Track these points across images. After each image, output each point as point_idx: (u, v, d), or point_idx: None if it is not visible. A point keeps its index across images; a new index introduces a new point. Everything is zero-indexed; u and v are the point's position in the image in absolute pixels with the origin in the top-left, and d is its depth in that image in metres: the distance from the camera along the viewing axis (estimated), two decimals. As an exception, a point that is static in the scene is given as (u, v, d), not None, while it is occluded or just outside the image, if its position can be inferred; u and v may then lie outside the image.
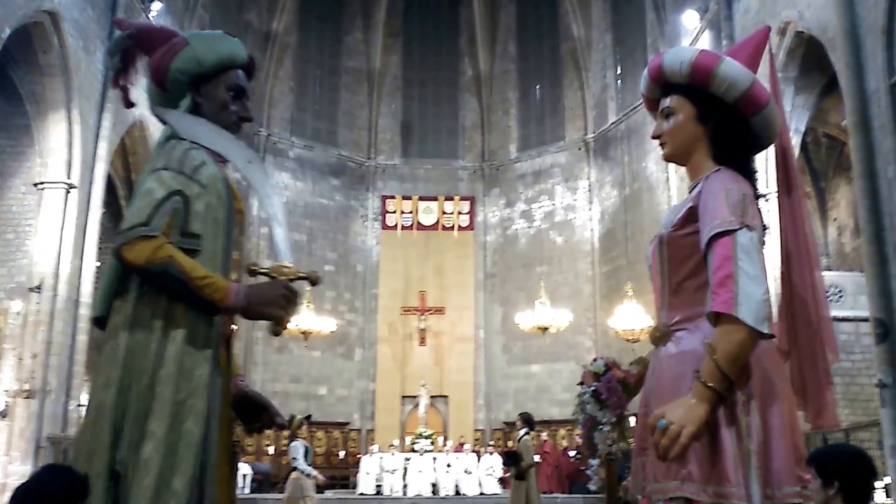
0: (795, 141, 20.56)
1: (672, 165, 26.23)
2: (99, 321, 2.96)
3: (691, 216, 2.84)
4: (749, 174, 2.96)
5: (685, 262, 2.81)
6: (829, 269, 23.79)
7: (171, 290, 2.85)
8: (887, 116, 14.76)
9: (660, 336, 2.92)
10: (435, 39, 35.97)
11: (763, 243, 2.75)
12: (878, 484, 15.79)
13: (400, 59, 35.94)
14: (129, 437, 2.71)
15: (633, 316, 23.37)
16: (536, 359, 30.57)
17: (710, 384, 2.53)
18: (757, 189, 2.92)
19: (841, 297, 19.84)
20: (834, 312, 19.12)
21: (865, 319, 17.34)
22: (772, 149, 3.27)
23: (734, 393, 2.61)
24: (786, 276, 3.24)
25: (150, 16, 24.31)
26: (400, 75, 35.79)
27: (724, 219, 2.65)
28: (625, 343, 24.50)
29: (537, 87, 34.79)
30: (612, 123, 31.01)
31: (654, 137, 3.16)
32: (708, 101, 2.97)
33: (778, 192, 3.37)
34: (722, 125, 2.97)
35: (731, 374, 2.53)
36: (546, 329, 26.94)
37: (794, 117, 20.23)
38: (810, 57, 19.01)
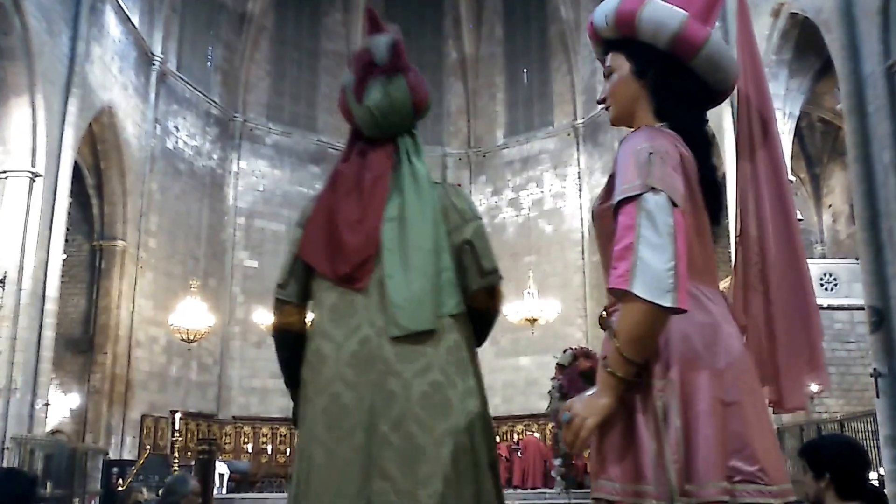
0: (790, 126, 20.65)
1: (663, 151, 26.44)
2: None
3: (610, 186, 2.62)
4: (697, 131, 2.74)
5: (611, 238, 2.49)
6: (824, 257, 23.88)
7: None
8: (883, 100, 14.81)
9: (601, 322, 2.73)
10: (418, 21, 35.73)
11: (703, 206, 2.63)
12: (871, 475, 15.87)
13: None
14: None
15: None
16: (525, 351, 30.51)
17: (613, 371, 2.37)
18: (707, 145, 2.75)
19: (836, 285, 19.92)
20: (828, 301, 19.47)
21: (860, 308, 17.42)
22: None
23: (651, 378, 2.44)
24: (745, 244, 2.96)
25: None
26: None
27: (630, 183, 2.43)
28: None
29: (525, 70, 34.76)
30: (601, 108, 30.57)
31: (598, 103, 2.98)
32: (643, 53, 2.76)
33: (737, 149, 3.07)
34: (659, 77, 2.75)
35: (635, 357, 2.36)
36: (535, 320, 26.90)
37: (789, 101, 20.31)
38: (805, 39, 19.08)
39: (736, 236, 3.07)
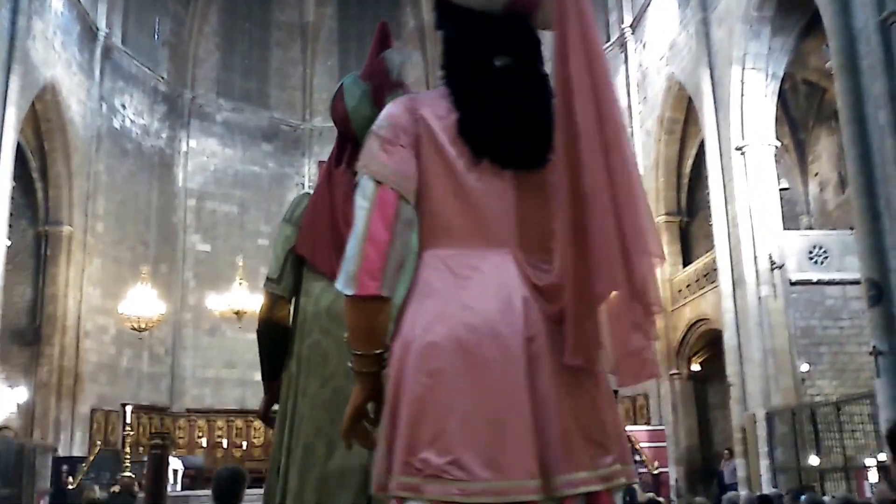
0: (773, 87, 20.42)
1: (637, 119, 26.24)
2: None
3: None
4: (482, 65, 2.52)
5: None
6: (811, 229, 23.71)
7: None
8: (877, 56, 14.56)
9: None
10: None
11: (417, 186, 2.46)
12: (869, 462, 15.71)
13: (335, 12, 35.28)
14: None
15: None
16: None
17: (350, 364, 2.47)
18: (514, 74, 2.48)
19: (826, 258, 19.67)
20: (818, 275, 19.28)
21: (854, 282, 17.22)
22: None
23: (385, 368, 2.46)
24: (565, 177, 2.45)
25: None
26: (336, 28, 35.16)
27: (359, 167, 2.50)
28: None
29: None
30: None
31: None
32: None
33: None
34: (438, 22, 2.67)
35: (357, 348, 2.44)
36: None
37: (772, 61, 20.11)
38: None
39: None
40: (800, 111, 25.10)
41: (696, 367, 24.69)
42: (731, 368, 20.38)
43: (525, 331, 2.31)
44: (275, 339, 3.69)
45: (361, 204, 2.40)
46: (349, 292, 2.34)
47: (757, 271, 19.41)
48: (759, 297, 19.29)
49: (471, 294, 2.38)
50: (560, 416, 2.29)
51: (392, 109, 2.52)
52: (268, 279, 3.67)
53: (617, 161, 2.28)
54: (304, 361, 3.47)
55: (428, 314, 2.39)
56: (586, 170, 2.27)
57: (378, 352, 2.43)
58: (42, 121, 24.03)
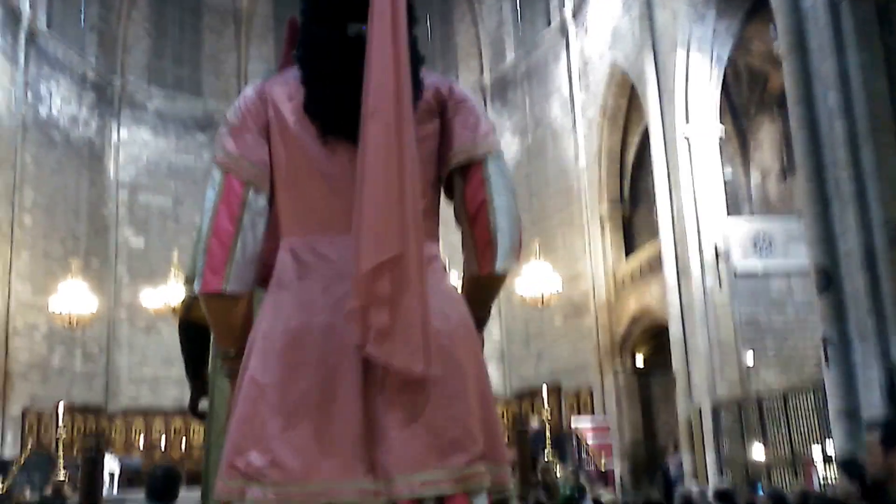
0: (717, 72, 20.39)
1: (579, 108, 26.19)
2: None
3: None
4: (322, 39, 2.47)
5: None
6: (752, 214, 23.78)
7: None
8: (826, 35, 14.43)
9: None
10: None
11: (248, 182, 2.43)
12: (816, 453, 15.72)
13: None
14: None
15: (541, 277, 22.56)
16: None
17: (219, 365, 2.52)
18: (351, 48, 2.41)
19: (770, 246, 19.69)
20: (763, 263, 19.28)
21: (800, 272, 17.28)
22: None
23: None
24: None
25: None
26: (271, 14, 34.51)
27: None
28: (532, 311, 24.23)
29: (425, 22, 34.01)
30: (510, 64, 30.61)
31: None
32: None
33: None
34: None
35: (219, 347, 2.54)
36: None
37: (717, 44, 20.08)
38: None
39: None
40: (742, 98, 25.12)
41: (639, 360, 24.71)
42: (676, 361, 20.38)
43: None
44: (192, 339, 3.89)
45: (209, 195, 2.38)
46: (196, 290, 2.36)
47: (702, 261, 19.42)
48: (705, 288, 19.30)
49: (310, 285, 2.34)
50: (400, 410, 2.21)
51: (243, 94, 2.50)
52: (185, 280, 3.82)
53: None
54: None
55: (267, 308, 2.38)
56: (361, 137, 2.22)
57: (238, 352, 2.42)
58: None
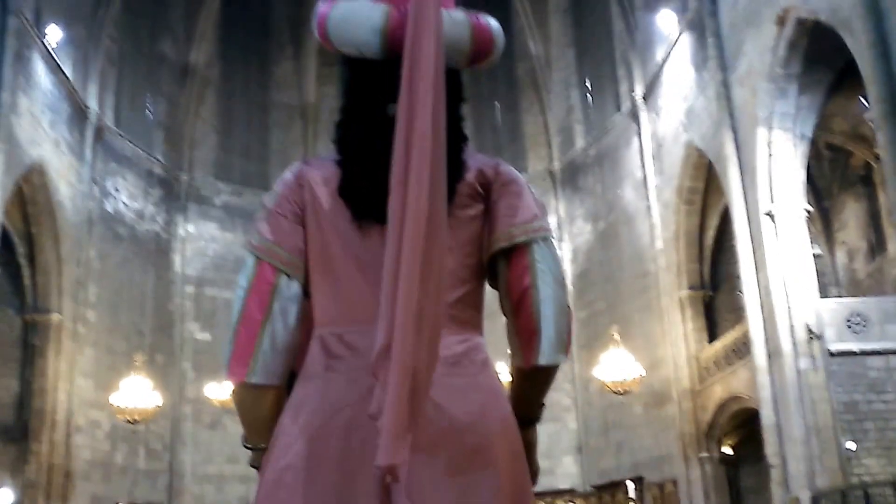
0: (802, 150, 19.42)
1: (653, 191, 25.40)
2: None
3: None
4: (366, 121, 2.38)
5: None
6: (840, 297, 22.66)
7: None
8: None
9: None
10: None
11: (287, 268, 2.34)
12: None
13: (337, 91, 34.48)
14: None
15: (622, 363, 21.72)
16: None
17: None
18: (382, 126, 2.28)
19: (865, 326, 18.51)
20: (860, 345, 18.06)
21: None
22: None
23: None
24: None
25: (46, 42, 23.11)
26: (336, 108, 34.26)
27: None
28: (611, 397, 23.13)
29: (494, 112, 33.71)
30: (580, 149, 30.11)
31: None
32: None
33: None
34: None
35: (248, 440, 2.40)
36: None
37: (800, 121, 19.18)
38: (815, 49, 17.98)
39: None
40: (824, 178, 24.34)
41: (727, 449, 23.33)
42: (770, 449, 19.05)
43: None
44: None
45: (240, 283, 2.32)
46: (228, 379, 2.29)
47: (794, 342, 18.25)
48: (798, 371, 18.08)
49: (337, 377, 2.25)
50: None
51: (282, 178, 2.45)
52: None
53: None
54: None
55: (293, 403, 2.28)
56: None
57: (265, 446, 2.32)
58: (29, 204, 23.25)
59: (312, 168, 2.41)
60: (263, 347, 2.24)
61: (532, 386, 2.44)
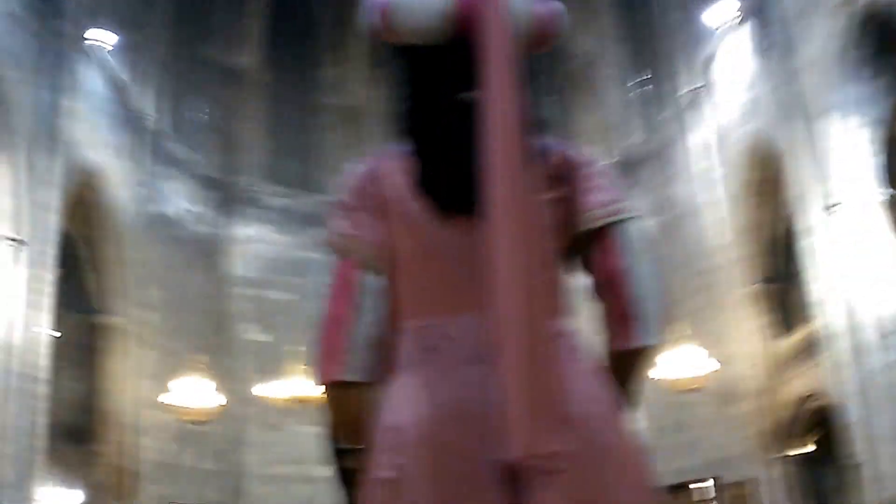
0: (878, 135, 18.73)
1: (717, 184, 24.80)
2: None
3: None
4: (436, 113, 2.40)
5: None
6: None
7: None
8: None
9: None
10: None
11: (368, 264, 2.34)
12: None
13: (387, 93, 34.53)
14: None
15: (692, 360, 21.26)
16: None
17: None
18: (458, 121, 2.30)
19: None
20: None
21: None
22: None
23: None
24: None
25: (100, 48, 23.48)
26: (385, 110, 34.39)
27: None
28: (681, 395, 22.54)
29: (547, 111, 33.33)
30: (637, 145, 29.70)
31: None
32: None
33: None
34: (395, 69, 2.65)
35: (342, 442, 2.44)
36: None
37: (874, 105, 18.50)
38: (888, 29, 17.35)
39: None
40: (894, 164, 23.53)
41: (807, 447, 22.57)
42: (857, 447, 18.27)
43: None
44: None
45: (326, 280, 2.36)
46: (315, 381, 2.33)
47: (882, 335, 17.51)
48: (888, 365, 17.34)
49: (436, 371, 2.22)
50: None
51: (353, 171, 2.46)
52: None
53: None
54: None
55: (394, 398, 2.24)
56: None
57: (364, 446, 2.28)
58: (91, 207, 23.18)
59: (386, 159, 2.41)
60: (353, 344, 2.22)
61: (629, 370, 2.38)
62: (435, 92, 2.41)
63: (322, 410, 2.84)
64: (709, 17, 24.59)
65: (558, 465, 1.96)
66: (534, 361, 1.95)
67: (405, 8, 2.37)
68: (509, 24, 2.20)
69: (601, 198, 2.37)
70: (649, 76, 29.97)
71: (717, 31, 24.19)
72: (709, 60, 25.33)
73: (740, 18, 22.91)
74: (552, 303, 2.24)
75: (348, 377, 2.21)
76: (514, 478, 1.96)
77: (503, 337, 1.96)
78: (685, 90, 26.79)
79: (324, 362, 2.23)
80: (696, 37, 25.96)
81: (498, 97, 2.09)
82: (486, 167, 2.07)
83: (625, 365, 2.37)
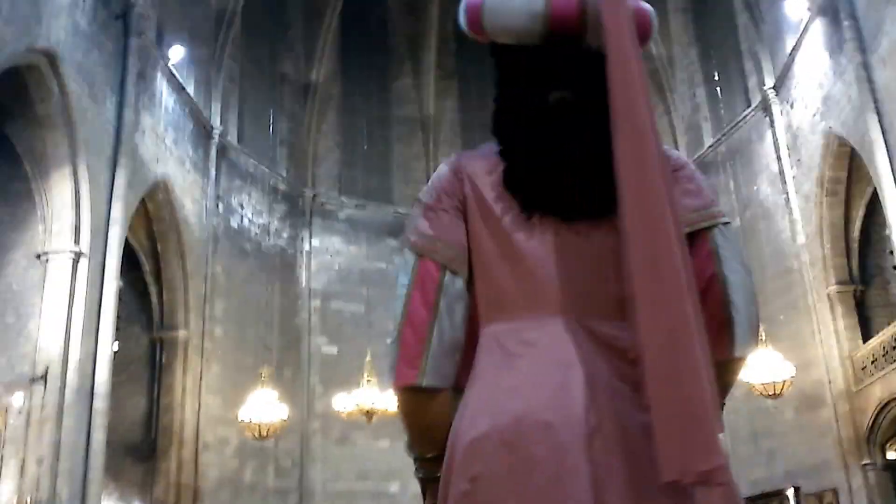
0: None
1: (792, 184, 23.86)
2: None
3: None
4: (528, 108, 2.28)
5: None
6: None
7: None
8: None
9: None
10: (494, 78, 34.43)
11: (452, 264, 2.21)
12: None
13: (456, 104, 34.74)
14: None
15: (771, 365, 20.12)
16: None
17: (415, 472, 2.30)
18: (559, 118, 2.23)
19: None
20: None
21: None
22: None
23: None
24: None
25: (168, 62, 23.15)
26: (457, 120, 34.54)
27: None
28: (759, 401, 21.58)
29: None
30: (708, 147, 28.75)
31: None
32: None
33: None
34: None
35: (416, 451, 2.25)
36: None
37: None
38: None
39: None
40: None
41: (892, 454, 21.43)
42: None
43: (586, 419, 1.96)
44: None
45: (402, 281, 2.22)
46: (390, 384, 2.16)
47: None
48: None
49: (520, 376, 2.11)
50: None
51: (437, 171, 2.40)
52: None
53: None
54: None
55: (473, 404, 2.14)
56: (627, 220, 1.98)
57: (438, 454, 2.18)
58: (154, 221, 22.99)
59: (471, 160, 2.33)
60: (432, 348, 2.13)
61: (721, 379, 2.18)
62: (526, 92, 2.32)
63: (396, 419, 2.74)
64: (778, 18, 23.91)
65: (721, 477, 1.86)
66: (698, 376, 1.85)
67: (498, 8, 2.32)
68: (633, 24, 2.11)
69: (696, 202, 2.27)
70: (720, 78, 29.20)
71: (788, 32, 23.38)
72: (780, 61, 24.49)
73: (810, 17, 22.03)
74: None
75: (424, 383, 2.11)
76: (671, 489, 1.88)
77: (667, 350, 1.87)
78: (757, 91, 26.07)
79: (399, 366, 2.12)
80: (766, 38, 25.24)
81: (635, 96, 1.99)
82: (626, 169, 1.98)
83: (717, 375, 2.10)
